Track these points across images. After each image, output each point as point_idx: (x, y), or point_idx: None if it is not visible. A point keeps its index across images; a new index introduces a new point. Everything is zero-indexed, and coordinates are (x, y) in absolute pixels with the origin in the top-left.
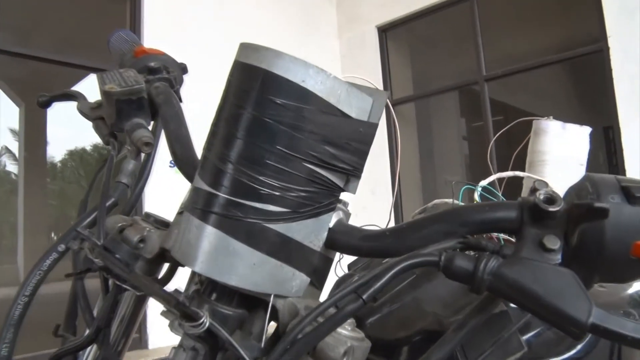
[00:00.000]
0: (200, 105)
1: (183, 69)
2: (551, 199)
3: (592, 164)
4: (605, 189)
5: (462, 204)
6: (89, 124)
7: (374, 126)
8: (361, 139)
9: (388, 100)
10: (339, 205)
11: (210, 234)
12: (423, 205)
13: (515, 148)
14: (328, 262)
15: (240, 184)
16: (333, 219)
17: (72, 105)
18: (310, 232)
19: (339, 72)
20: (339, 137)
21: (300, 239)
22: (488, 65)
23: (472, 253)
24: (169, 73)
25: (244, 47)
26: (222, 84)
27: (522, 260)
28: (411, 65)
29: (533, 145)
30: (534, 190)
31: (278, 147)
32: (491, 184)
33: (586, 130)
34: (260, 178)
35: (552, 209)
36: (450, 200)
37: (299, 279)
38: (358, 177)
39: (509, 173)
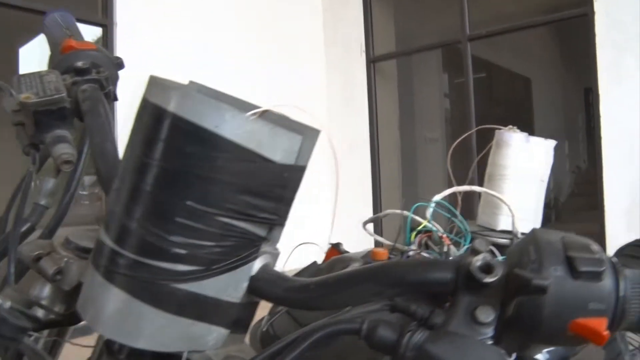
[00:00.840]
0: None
1: (118, 64)
2: (488, 267)
3: (571, 126)
4: (549, 258)
5: (415, 217)
6: None
7: (302, 169)
8: (286, 184)
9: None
10: (265, 249)
11: (114, 296)
12: (399, 165)
13: (499, 105)
14: (252, 306)
15: (146, 243)
16: (257, 265)
17: (45, 47)
18: (226, 287)
19: (321, 27)
20: (260, 185)
21: (215, 295)
22: (472, 24)
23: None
24: (99, 73)
25: (152, 83)
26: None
27: (449, 335)
28: (394, 21)
29: (494, 157)
30: (473, 252)
31: (188, 202)
32: (448, 197)
33: (551, 144)
34: (168, 237)
35: (487, 279)
36: (400, 211)
37: (216, 333)
38: (282, 224)
39: (466, 187)
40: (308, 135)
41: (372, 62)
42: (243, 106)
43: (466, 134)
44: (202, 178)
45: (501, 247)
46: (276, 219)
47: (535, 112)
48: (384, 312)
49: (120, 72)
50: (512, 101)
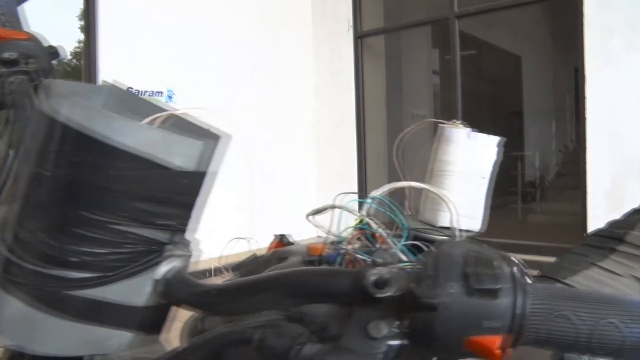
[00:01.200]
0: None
1: (52, 53)
2: (381, 282)
3: (560, 105)
4: (446, 274)
5: (353, 212)
6: (52, 37)
7: (203, 175)
8: (185, 190)
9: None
10: (173, 252)
11: (9, 304)
12: (385, 142)
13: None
14: (163, 308)
15: (40, 252)
16: (164, 269)
17: (37, 14)
18: (128, 292)
19: (308, 2)
20: (157, 192)
21: (116, 300)
22: (461, 1)
23: None
24: (28, 64)
25: (45, 90)
26: None
27: (339, 351)
28: None
29: (436, 152)
30: (373, 264)
31: (82, 212)
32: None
33: (494, 140)
34: (63, 246)
35: (379, 295)
36: (338, 210)
37: (119, 337)
38: (184, 230)
39: (404, 183)
40: (210, 140)
41: (360, 37)
42: (151, 110)
43: (412, 128)
44: (95, 187)
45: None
46: (177, 225)
47: (525, 90)
48: (283, 322)
49: (106, 45)
50: (502, 79)
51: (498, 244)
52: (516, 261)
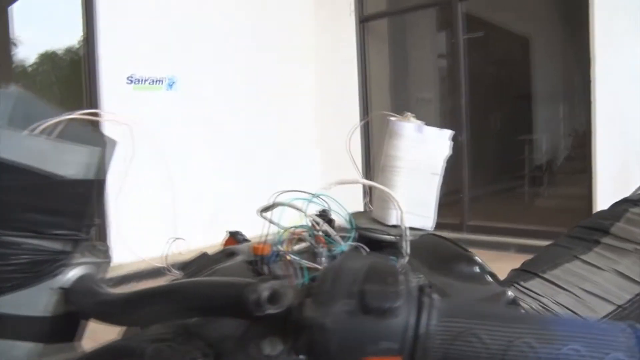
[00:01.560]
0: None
1: None
2: (261, 299)
3: (568, 87)
4: (332, 291)
5: (298, 209)
6: (60, 25)
7: (90, 183)
8: (74, 199)
9: None
10: (76, 260)
11: None
12: None
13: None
14: (69, 317)
15: None
16: (63, 277)
17: (41, 4)
18: (21, 303)
19: None
20: (42, 202)
21: (12, 312)
22: None
23: None
24: None
25: None
26: None
27: None
28: None
29: (387, 148)
30: (275, 277)
31: None
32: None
33: (445, 134)
34: None
35: (258, 313)
36: (284, 207)
37: (16, 349)
38: (77, 239)
39: (351, 180)
40: (97, 147)
41: (363, 22)
42: (51, 116)
43: (363, 121)
44: None
45: (387, 245)
46: (68, 234)
47: (534, 72)
48: (172, 336)
49: (107, 33)
50: (510, 61)
51: (504, 229)
52: (478, 261)
